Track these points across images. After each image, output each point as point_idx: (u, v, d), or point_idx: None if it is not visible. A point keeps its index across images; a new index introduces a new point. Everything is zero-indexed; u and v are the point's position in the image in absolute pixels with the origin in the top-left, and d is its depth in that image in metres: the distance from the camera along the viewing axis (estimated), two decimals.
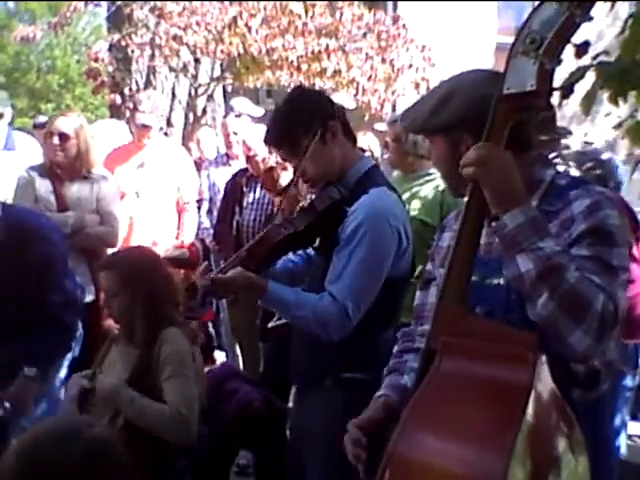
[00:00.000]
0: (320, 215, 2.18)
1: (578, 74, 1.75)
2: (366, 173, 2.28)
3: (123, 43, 7.44)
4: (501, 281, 1.61)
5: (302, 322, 2.21)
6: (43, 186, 3.96)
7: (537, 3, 1.43)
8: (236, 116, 5.62)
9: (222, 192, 4.90)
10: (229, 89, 9.18)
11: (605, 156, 3.61)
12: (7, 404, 3.10)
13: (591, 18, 1.42)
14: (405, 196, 3.39)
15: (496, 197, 1.46)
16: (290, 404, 3.44)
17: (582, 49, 1.41)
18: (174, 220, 4.79)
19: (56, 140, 3.91)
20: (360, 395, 2.13)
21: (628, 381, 3.50)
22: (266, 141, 2.34)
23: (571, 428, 1.43)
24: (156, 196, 4.65)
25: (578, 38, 1.43)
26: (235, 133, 5.31)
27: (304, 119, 2.24)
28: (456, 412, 1.35)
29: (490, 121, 1.46)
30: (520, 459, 1.28)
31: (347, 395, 2.20)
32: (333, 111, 2.29)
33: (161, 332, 2.65)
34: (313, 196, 2.43)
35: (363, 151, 3.06)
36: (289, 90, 2.47)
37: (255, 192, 4.71)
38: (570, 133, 4.24)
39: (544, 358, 1.41)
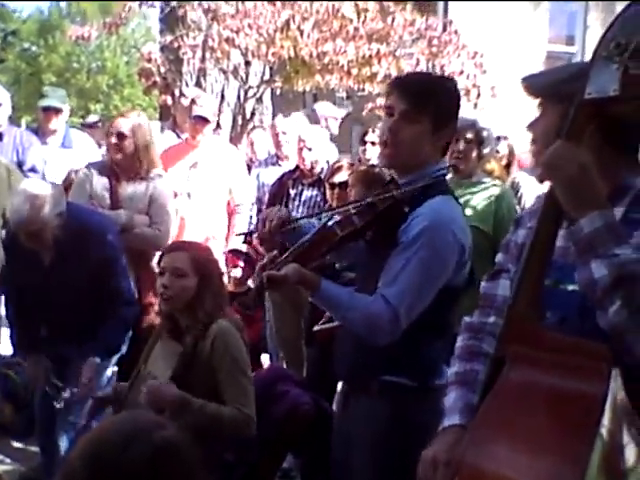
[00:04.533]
0: (379, 214, 2.14)
1: None
2: (435, 179, 2.23)
3: (175, 44, 7.51)
4: (576, 287, 1.56)
5: (351, 323, 2.18)
6: (100, 183, 4.01)
7: (624, 5, 1.39)
8: (285, 116, 5.62)
9: None
10: (277, 92, 9.21)
11: None
12: (66, 394, 3.20)
13: None
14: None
15: (570, 199, 1.42)
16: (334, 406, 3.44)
17: None
18: (225, 221, 4.80)
19: (114, 139, 3.96)
20: (405, 402, 2.16)
21: None
22: (400, 83, 2.27)
23: None
24: (208, 197, 4.66)
25: None
26: (284, 133, 5.32)
27: (446, 105, 2.22)
28: (527, 423, 1.32)
29: (569, 124, 1.43)
30: (593, 475, 1.24)
31: (392, 401, 2.17)
32: (455, 125, 2.29)
33: (212, 325, 2.67)
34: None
35: None
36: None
37: (302, 194, 4.72)
38: None
39: (616, 370, 1.37)
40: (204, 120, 4.71)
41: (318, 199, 4.67)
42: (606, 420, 1.30)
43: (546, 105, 1.65)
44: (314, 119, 6.09)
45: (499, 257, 1.84)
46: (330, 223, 2.17)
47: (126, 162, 3.97)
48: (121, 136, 3.95)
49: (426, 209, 2.13)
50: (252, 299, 2.17)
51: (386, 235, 2.15)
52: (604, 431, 1.29)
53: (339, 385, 2.49)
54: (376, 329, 2.11)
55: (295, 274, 2.11)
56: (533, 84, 1.67)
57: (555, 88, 1.62)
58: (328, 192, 4.38)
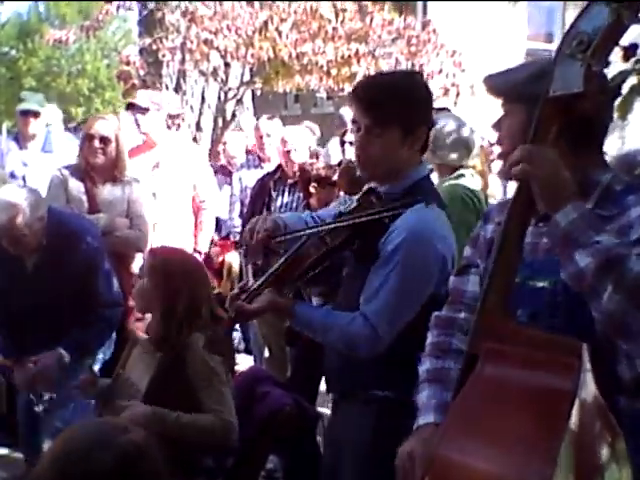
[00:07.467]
0: (356, 230, 2.08)
1: (620, 78, 1.72)
2: (417, 183, 2.16)
3: (154, 47, 7.50)
4: (546, 284, 1.56)
5: (331, 344, 2.18)
6: (75, 187, 3.98)
7: (585, 4, 1.41)
8: (268, 118, 5.61)
9: None
10: (258, 93, 9.21)
11: None
12: (47, 396, 3.20)
13: None
14: None
15: (546, 195, 1.42)
16: (319, 408, 3.45)
17: (630, 51, 1.39)
18: (191, 219, 4.72)
19: (97, 143, 3.93)
20: (390, 414, 2.10)
21: None
22: (359, 95, 2.14)
23: (615, 438, 1.40)
24: (173, 196, 4.57)
25: (625, 41, 1.41)
26: (268, 135, 5.31)
27: (414, 104, 2.12)
28: (499, 419, 1.33)
29: (536, 122, 1.44)
30: (564, 468, 1.26)
31: (377, 412, 2.13)
32: (430, 118, 2.19)
33: (190, 336, 2.64)
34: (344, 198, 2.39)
35: None
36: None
37: (284, 196, 4.71)
38: None
39: (589, 365, 1.38)
40: (141, 108, 4.63)
41: (300, 200, 4.67)
42: (577, 414, 1.32)
43: (508, 105, 1.65)
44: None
45: (467, 251, 1.84)
46: (305, 244, 2.13)
47: (106, 166, 3.95)
48: (104, 140, 3.93)
49: (404, 221, 2.05)
50: (224, 330, 2.18)
51: (368, 247, 2.09)
52: (573, 424, 1.30)
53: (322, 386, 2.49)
54: (356, 347, 2.09)
55: (268, 305, 2.10)
56: (493, 84, 1.68)
57: (515, 88, 1.62)
58: (317, 191, 4.36)
